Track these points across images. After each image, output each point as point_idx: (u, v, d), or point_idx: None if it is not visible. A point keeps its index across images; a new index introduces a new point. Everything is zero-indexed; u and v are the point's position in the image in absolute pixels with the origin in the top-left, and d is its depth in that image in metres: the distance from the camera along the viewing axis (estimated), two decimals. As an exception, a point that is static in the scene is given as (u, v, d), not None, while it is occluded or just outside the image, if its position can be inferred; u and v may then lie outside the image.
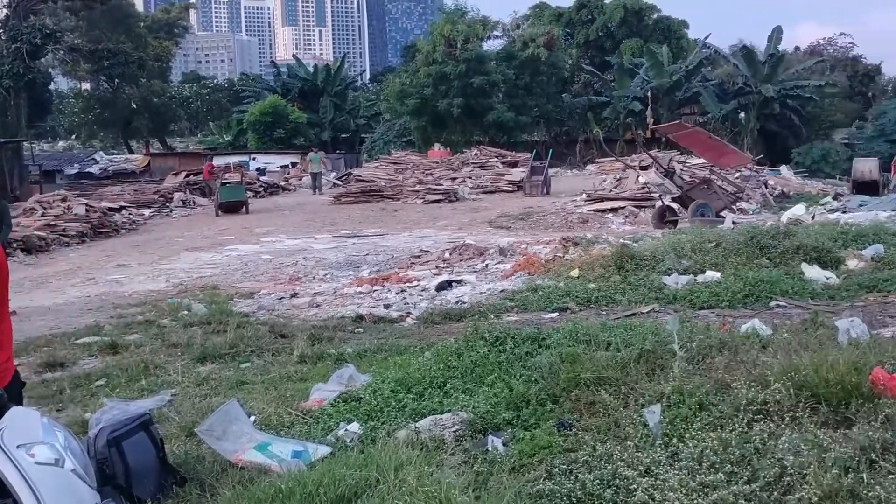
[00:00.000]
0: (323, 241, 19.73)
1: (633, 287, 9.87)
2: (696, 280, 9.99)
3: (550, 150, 37.74)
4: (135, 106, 63.58)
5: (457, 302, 10.40)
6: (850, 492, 3.58)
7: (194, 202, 32.10)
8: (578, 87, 57.63)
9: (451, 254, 14.85)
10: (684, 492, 3.79)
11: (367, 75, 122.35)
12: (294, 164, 47.83)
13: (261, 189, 36.41)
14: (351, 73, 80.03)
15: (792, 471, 3.81)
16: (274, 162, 48.56)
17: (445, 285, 11.49)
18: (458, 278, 12.13)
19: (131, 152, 67.46)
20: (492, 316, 8.83)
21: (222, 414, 4.98)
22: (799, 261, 10.34)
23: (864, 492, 3.54)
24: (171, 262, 16.89)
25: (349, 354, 7.55)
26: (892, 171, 30.65)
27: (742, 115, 49.35)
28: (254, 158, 49.27)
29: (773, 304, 8.83)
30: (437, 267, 13.74)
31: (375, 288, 11.84)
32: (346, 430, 5.06)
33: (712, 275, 10.06)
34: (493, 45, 54.42)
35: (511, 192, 31.75)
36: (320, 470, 4.08)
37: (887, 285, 9.29)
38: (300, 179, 41.47)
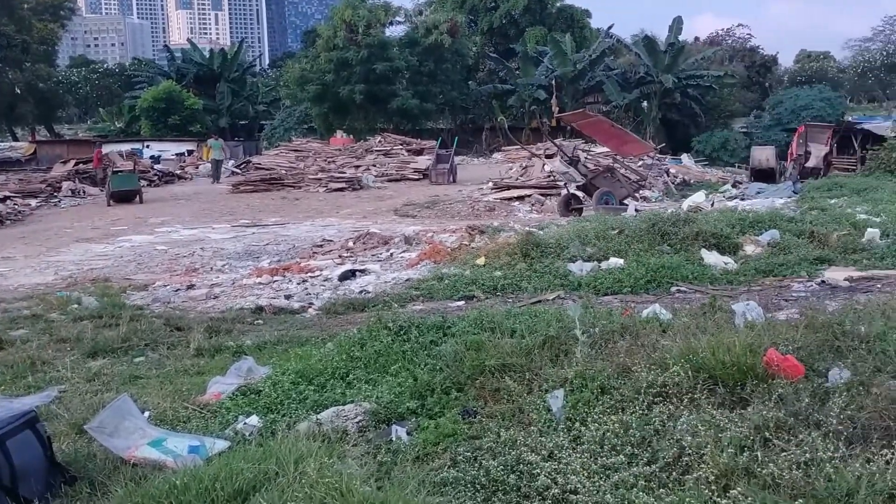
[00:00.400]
0: (221, 230, 19.34)
1: (539, 274, 10.02)
2: (599, 267, 10.23)
3: (456, 138, 37.91)
4: (19, 91, 60.64)
5: (360, 292, 10.36)
6: (746, 470, 3.73)
7: (84, 191, 30.92)
8: (483, 74, 58.00)
9: (354, 243, 14.77)
10: (586, 474, 3.89)
11: (266, 60, 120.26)
12: (190, 152, 46.67)
13: (155, 178, 35.38)
14: (248, 57, 78.47)
15: (690, 451, 3.95)
16: (169, 149, 47.19)
17: (349, 275, 11.42)
18: (362, 268, 12.07)
19: (16, 139, 64.65)
20: (396, 305, 8.83)
21: (114, 410, 4.84)
22: (699, 247, 10.70)
23: (759, 469, 3.69)
24: (60, 254, 16.27)
25: (248, 347, 7.44)
26: (789, 160, 31.97)
27: (644, 104, 50.53)
28: (147, 146, 47.81)
29: (673, 289, 9.12)
30: (340, 256, 13.64)
31: (276, 278, 11.68)
32: (245, 423, 4.99)
33: (615, 261, 10.32)
34: (395, 31, 54.39)
35: (417, 180, 31.79)
36: (217, 464, 4.02)
37: (782, 270, 9.72)
38: (197, 167, 40.50)
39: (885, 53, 73.26)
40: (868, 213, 13.69)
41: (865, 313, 5.91)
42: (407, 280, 10.78)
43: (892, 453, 3.59)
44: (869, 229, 11.38)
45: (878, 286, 8.70)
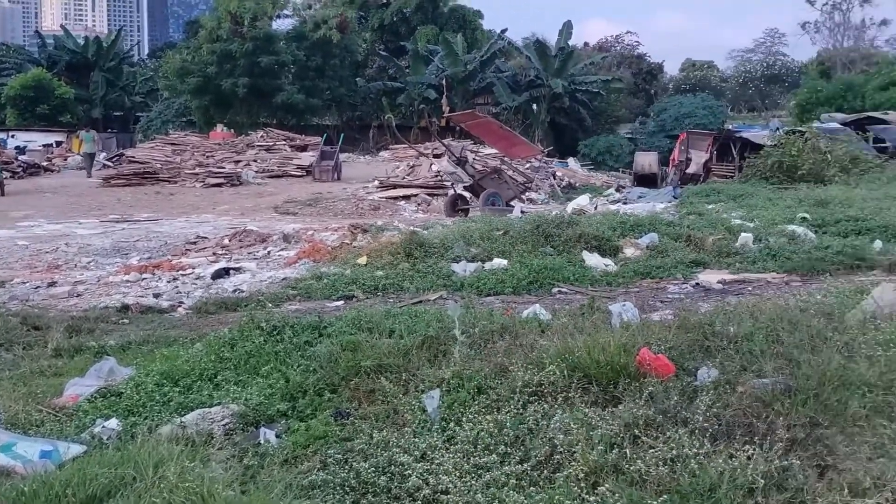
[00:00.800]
0: (88, 226, 18.63)
1: (422, 274, 10.06)
2: (483, 267, 10.35)
3: (342, 135, 37.73)
4: None
5: (234, 290, 10.16)
6: (615, 467, 3.83)
7: (-59, 183, 29.28)
8: (373, 71, 57.86)
9: (230, 240, 14.48)
10: (458, 474, 3.91)
11: (145, 50, 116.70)
12: (59, 143, 44.84)
13: (19, 169, 33.79)
14: (126, 46, 75.97)
15: (562, 449, 4.03)
16: (36, 140, 45.27)
17: (222, 273, 11.19)
18: (237, 266, 11.85)
19: None
20: (271, 304, 8.67)
21: (-43, 414, 4.58)
22: (581, 249, 10.97)
23: (627, 466, 3.79)
24: None
25: (111, 347, 7.19)
26: (671, 165, 33.08)
27: (534, 106, 51.40)
28: (13, 136, 45.81)
29: (555, 290, 9.33)
30: (214, 254, 13.35)
31: (145, 276, 11.32)
32: (104, 426, 4.81)
33: (499, 262, 10.47)
34: (282, 24, 53.70)
35: (300, 176, 31.45)
36: (70, 469, 3.86)
37: (660, 272, 10.09)
38: (65, 160, 38.93)
39: (765, 65, 76.84)
40: (743, 218, 14.30)
41: (735, 314, 6.14)
42: (284, 279, 10.64)
43: (754, 449, 3.74)
44: (742, 234, 11.89)
45: (749, 288, 9.13)
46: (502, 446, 4.16)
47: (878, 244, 11.33)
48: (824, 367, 4.43)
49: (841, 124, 31.13)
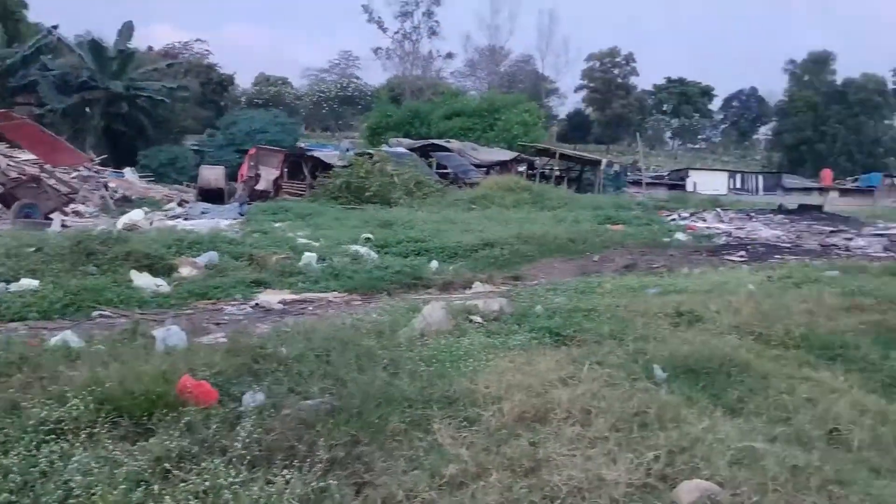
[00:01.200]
0: None
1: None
2: (7, 289, 9.50)
3: None
4: None
5: None
6: (141, 506, 3.64)
7: None
8: None
9: None
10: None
11: None
12: None
13: None
14: None
15: (79, 492, 3.77)
16: None
17: None
18: None
19: None
20: None
21: None
22: (130, 268, 10.56)
23: (154, 504, 3.62)
24: None
25: None
26: (239, 181, 33.39)
27: (87, 110, 48.88)
28: None
29: (95, 313, 8.85)
30: None
31: None
32: None
33: (28, 283, 9.68)
34: None
35: None
36: None
37: (217, 292, 10.08)
38: None
39: (339, 86, 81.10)
40: (309, 237, 14.82)
41: (289, 336, 6.27)
42: None
43: (293, 473, 3.78)
44: (307, 253, 12.30)
45: (310, 308, 9.44)
46: (6, 494, 3.79)
47: (434, 264, 12.41)
48: (369, 385, 4.65)
49: (408, 149, 33.84)
